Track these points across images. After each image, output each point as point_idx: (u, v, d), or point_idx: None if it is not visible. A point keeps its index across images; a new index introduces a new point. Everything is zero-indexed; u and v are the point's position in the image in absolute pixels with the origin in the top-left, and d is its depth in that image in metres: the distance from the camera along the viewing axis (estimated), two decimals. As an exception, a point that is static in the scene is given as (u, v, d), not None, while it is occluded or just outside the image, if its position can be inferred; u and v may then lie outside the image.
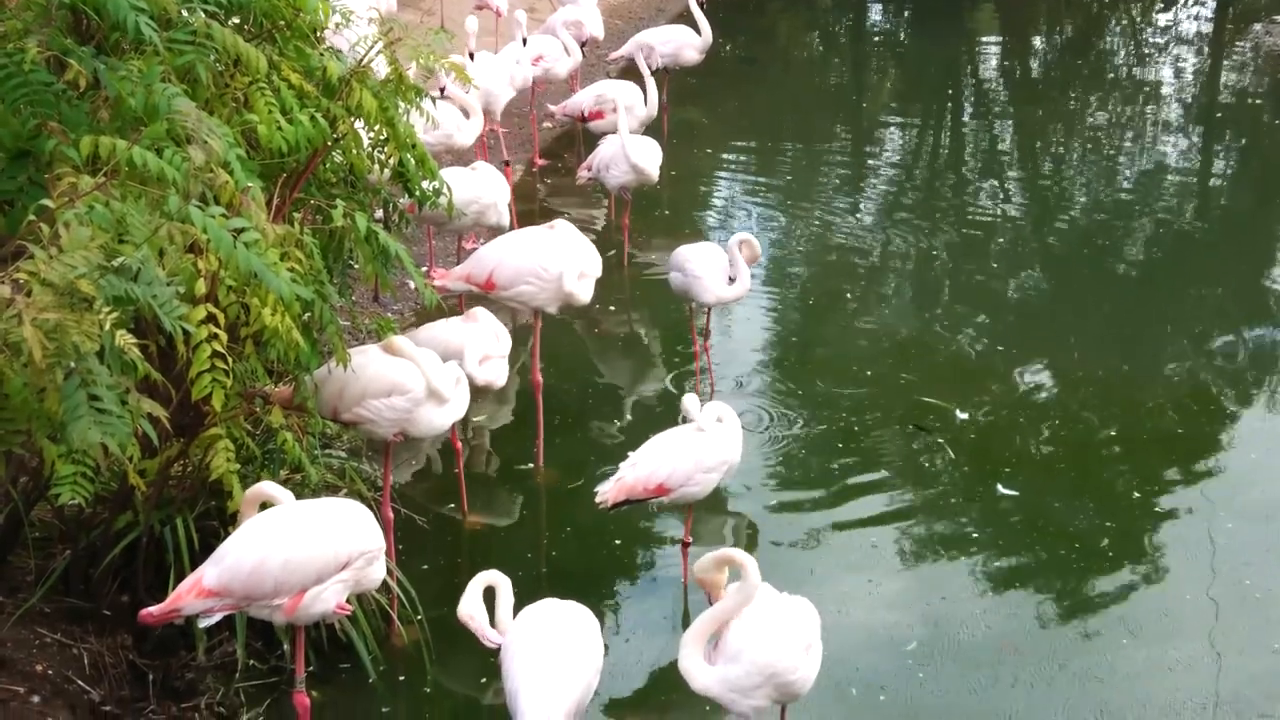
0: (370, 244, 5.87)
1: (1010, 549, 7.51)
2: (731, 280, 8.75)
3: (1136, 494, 8.07)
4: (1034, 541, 7.58)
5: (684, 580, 7.07)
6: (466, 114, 10.73)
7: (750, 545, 7.57)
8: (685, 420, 6.93)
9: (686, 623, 6.79)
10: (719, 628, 5.28)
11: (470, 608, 5.28)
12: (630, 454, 6.80)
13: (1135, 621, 6.89)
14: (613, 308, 10.59)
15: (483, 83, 11.50)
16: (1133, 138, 16.33)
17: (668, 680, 6.22)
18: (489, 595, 5.37)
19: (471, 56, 11.94)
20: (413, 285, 9.29)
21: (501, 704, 5.03)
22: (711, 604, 5.41)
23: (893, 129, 16.69)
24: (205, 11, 5.23)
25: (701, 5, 13.98)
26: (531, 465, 8.20)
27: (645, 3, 20.40)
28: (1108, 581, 7.23)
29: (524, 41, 13.06)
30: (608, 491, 6.64)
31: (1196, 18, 22.80)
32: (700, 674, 5.24)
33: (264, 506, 5.34)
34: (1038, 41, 21.75)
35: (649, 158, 10.84)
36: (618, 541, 7.49)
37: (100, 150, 4.38)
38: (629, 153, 10.73)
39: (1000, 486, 8.04)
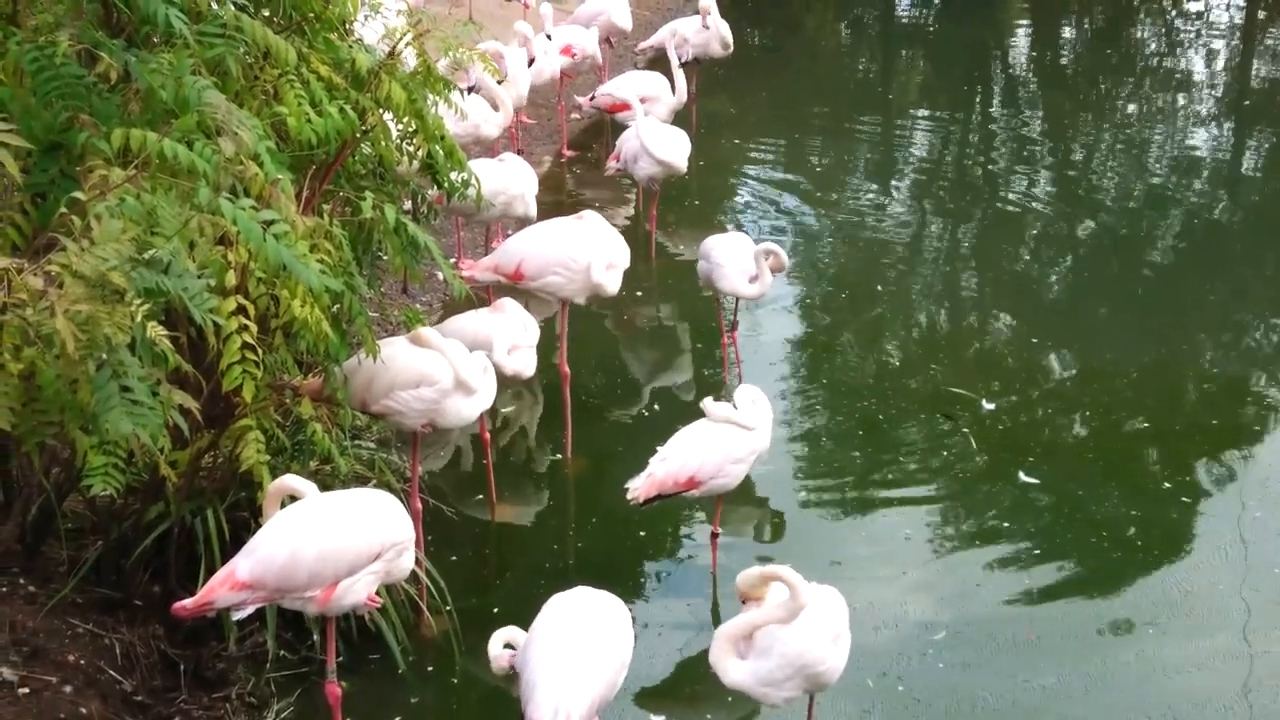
0: (399, 235, 5.89)
1: (1038, 539, 7.48)
2: (753, 280, 8.72)
3: (1166, 484, 8.04)
4: (1062, 531, 7.55)
5: (713, 570, 7.07)
6: (495, 107, 10.74)
7: (778, 534, 7.58)
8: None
9: (715, 613, 6.80)
10: (754, 630, 5.27)
11: (498, 663, 5.26)
12: (659, 448, 6.80)
13: (1164, 611, 6.87)
14: (640, 295, 10.59)
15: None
16: (1163, 128, 16.24)
17: (696, 671, 6.23)
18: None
19: (531, 63, 12.15)
20: (441, 276, 9.32)
21: (531, 695, 5.03)
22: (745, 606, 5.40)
23: (920, 118, 16.63)
24: (235, 4, 5.25)
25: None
26: (559, 455, 8.21)
27: (672, -7, 20.38)
28: (1136, 571, 7.20)
29: (548, 36, 13.06)
30: (638, 488, 6.63)
31: (1228, 6, 22.64)
32: (732, 670, 5.23)
33: (289, 500, 5.36)
34: (1067, 30, 21.65)
35: (673, 150, 10.81)
36: (646, 532, 7.49)
37: (131, 143, 4.39)
38: (649, 148, 10.73)
39: (1028, 476, 8.02)
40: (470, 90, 10.29)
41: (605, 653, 4.94)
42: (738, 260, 8.74)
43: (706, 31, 13.95)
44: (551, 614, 5.10)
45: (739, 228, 12.17)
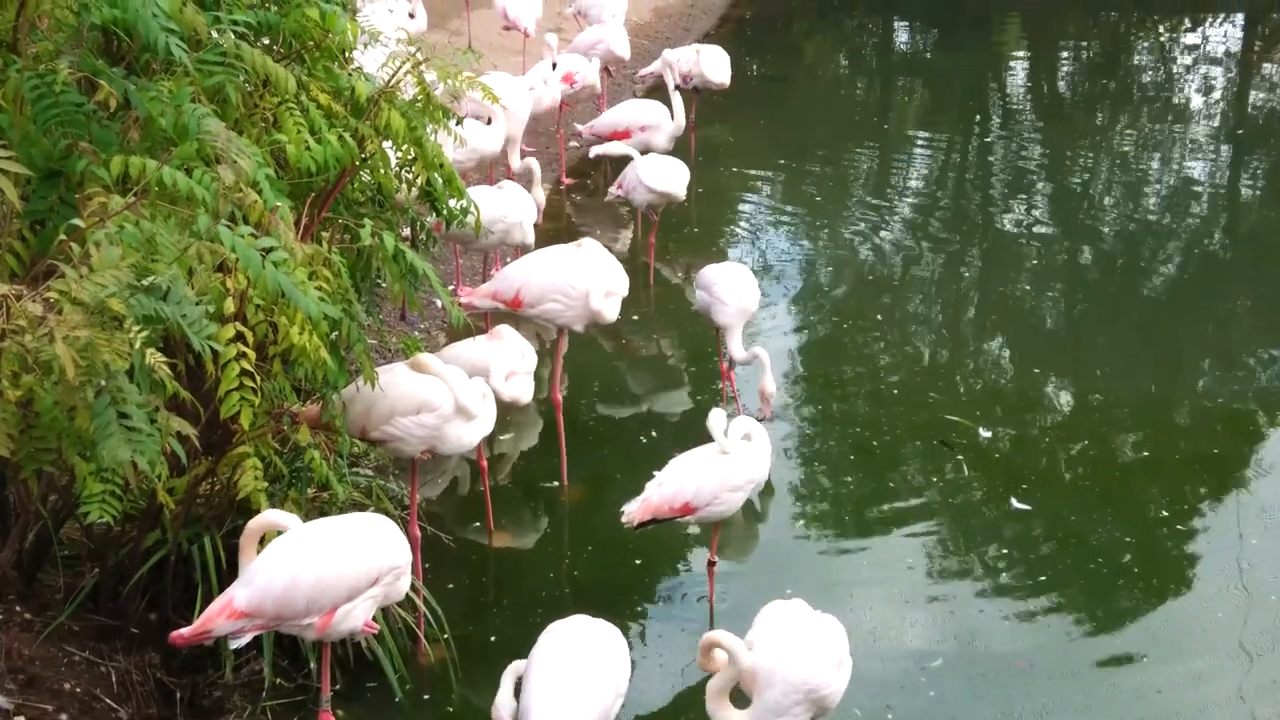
0: (398, 262, 5.89)
1: (1034, 567, 7.49)
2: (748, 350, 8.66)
3: (1164, 512, 8.03)
4: (1059, 559, 7.55)
5: (710, 599, 7.06)
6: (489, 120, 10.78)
7: (775, 562, 7.59)
8: (710, 437, 6.89)
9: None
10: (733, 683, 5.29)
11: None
12: (656, 473, 6.79)
13: (1161, 640, 6.87)
14: (639, 324, 10.60)
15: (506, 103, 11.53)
16: (1161, 156, 16.28)
17: (693, 700, 6.21)
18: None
19: (554, 67, 12.78)
20: (440, 304, 9.33)
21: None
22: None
23: (919, 147, 16.67)
24: (235, 32, 5.26)
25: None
26: (556, 482, 8.20)
27: (672, 23, 20.45)
28: (1134, 600, 7.20)
29: (554, 65, 13.09)
30: (633, 512, 6.63)
31: (1225, 36, 22.73)
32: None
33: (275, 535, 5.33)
34: (1065, 60, 21.71)
35: (668, 180, 10.84)
36: (642, 560, 7.49)
37: (130, 170, 4.40)
38: (644, 180, 10.76)
39: (1026, 504, 8.01)
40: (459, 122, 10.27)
41: (600, 680, 5.00)
42: (739, 300, 8.66)
43: (697, 67, 14.03)
44: (549, 642, 5.14)
45: (738, 256, 12.25)
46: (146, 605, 5.94)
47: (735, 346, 8.66)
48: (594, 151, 12.07)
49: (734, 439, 6.84)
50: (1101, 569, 7.43)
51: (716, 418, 6.88)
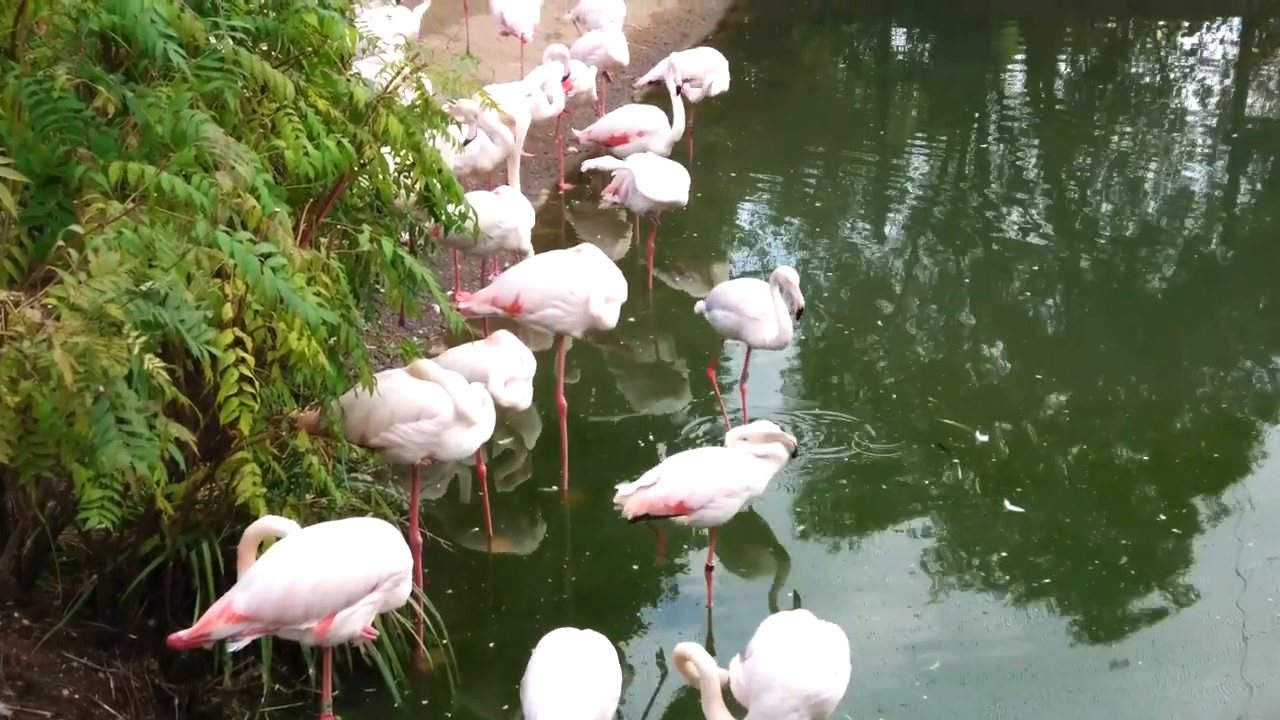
0: (396, 268, 5.89)
1: (1033, 569, 7.49)
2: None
3: (1162, 516, 8.03)
4: (1057, 562, 7.55)
5: (708, 603, 7.06)
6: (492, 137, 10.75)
7: (772, 567, 7.60)
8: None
9: (710, 647, 6.77)
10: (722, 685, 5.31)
11: None
12: (654, 468, 6.81)
13: (1158, 642, 6.88)
14: (637, 330, 10.59)
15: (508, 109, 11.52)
16: (1159, 161, 16.25)
17: (690, 704, 6.21)
18: None
19: (566, 77, 12.76)
20: (438, 309, 9.33)
21: (525, 728, 5.04)
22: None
23: (918, 152, 16.66)
24: (233, 38, 5.26)
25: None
26: (556, 488, 8.20)
27: (670, 28, 20.43)
28: (1131, 604, 7.20)
29: (566, 76, 13.06)
30: (628, 501, 6.65)
31: (1223, 40, 22.72)
32: None
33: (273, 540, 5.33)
34: (1063, 64, 21.70)
35: (668, 188, 10.78)
36: (640, 565, 7.48)
37: (129, 176, 4.41)
38: (643, 191, 10.72)
39: (1022, 508, 8.01)
40: (467, 143, 10.22)
41: (596, 687, 5.07)
42: (769, 311, 8.56)
43: (708, 64, 14.07)
44: (545, 652, 5.22)
45: (737, 261, 12.25)
46: (145, 611, 5.93)
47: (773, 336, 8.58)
48: (586, 166, 12.05)
49: (747, 446, 6.87)
50: (1099, 572, 7.43)
51: (763, 425, 7.02)
